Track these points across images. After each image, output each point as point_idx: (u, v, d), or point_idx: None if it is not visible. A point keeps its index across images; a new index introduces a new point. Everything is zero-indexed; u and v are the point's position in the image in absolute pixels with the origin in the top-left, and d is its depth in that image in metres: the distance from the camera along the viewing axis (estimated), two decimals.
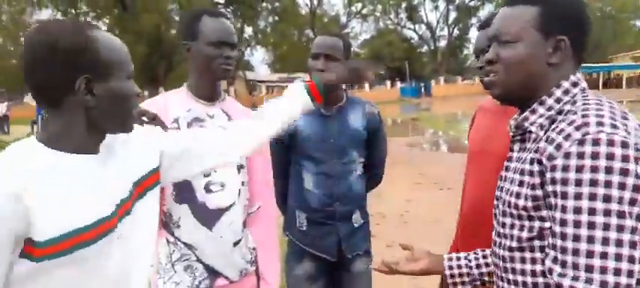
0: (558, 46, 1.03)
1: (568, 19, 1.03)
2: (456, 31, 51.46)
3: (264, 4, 35.51)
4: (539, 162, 0.96)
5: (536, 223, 0.99)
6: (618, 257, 0.86)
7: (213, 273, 1.66)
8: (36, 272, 0.94)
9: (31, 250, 0.92)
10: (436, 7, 50.38)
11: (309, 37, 43.82)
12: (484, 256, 1.32)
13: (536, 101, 1.06)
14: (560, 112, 1.01)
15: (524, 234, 1.01)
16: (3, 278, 0.92)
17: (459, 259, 1.32)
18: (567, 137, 0.92)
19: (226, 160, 1.40)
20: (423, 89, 44.57)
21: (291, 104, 1.43)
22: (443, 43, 51.77)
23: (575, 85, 1.04)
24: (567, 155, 0.90)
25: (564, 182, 0.90)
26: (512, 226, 1.05)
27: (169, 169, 1.27)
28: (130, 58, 1.08)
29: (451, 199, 6.21)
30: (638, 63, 44.99)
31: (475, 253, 1.33)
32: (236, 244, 1.68)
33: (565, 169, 0.90)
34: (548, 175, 0.93)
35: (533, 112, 1.05)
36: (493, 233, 1.16)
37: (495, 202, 1.18)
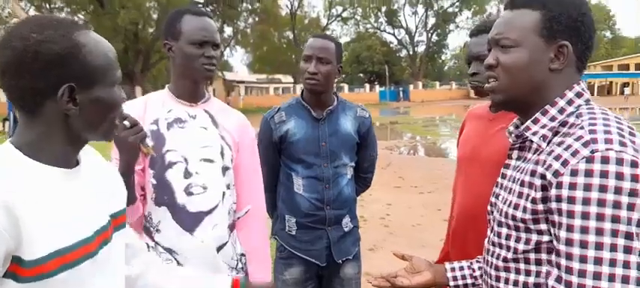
0: (561, 52, 0.99)
1: (571, 25, 0.99)
2: (434, 37, 52.28)
3: (244, 5, 35.27)
4: (543, 176, 0.92)
5: (534, 236, 0.97)
6: (625, 279, 0.84)
7: None
8: None
9: (16, 269, 0.85)
10: (415, 13, 51.19)
11: (288, 38, 43.82)
12: None
13: (537, 109, 1.02)
14: (563, 124, 0.98)
15: (521, 246, 0.99)
16: None
17: (461, 268, 1.29)
18: (574, 153, 0.89)
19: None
20: (401, 93, 45.08)
21: None
22: (421, 48, 52.47)
23: (579, 95, 1.00)
24: (574, 172, 0.87)
25: (571, 200, 0.87)
26: (508, 237, 1.03)
27: None
28: (118, 64, 1.00)
29: (431, 203, 6.29)
30: (608, 72, 46.43)
31: (478, 261, 1.31)
32: (220, 248, 1.62)
33: (572, 186, 0.87)
34: (554, 192, 0.90)
35: (536, 121, 1.02)
36: (486, 241, 1.14)
37: (490, 208, 1.16)
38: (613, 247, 0.85)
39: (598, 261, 0.85)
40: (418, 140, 15.06)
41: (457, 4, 49.45)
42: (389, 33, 52.82)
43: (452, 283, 1.28)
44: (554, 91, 1.01)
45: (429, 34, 51.39)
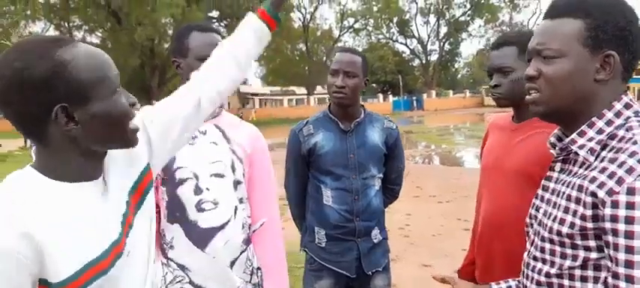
0: (607, 63, 0.95)
1: (617, 34, 0.95)
2: (446, 46, 51.99)
3: None
4: (594, 194, 0.88)
5: (581, 252, 0.93)
6: None
7: None
8: None
9: None
10: (427, 22, 50.90)
11: (301, 50, 44.01)
12: None
13: (582, 121, 0.98)
14: (612, 137, 0.93)
15: (567, 262, 0.95)
16: None
17: (509, 287, 1.21)
18: (629, 171, 0.85)
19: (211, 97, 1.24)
20: (415, 102, 44.90)
21: (245, 33, 1.30)
22: (434, 57, 52.25)
23: (627, 106, 0.96)
24: (631, 191, 0.83)
25: (629, 221, 0.83)
26: (552, 252, 0.99)
27: (162, 146, 1.14)
28: (114, 68, 0.95)
29: (450, 213, 6.26)
30: None
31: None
32: (233, 262, 1.62)
33: (629, 206, 0.83)
34: (608, 211, 0.86)
35: (582, 134, 0.97)
36: (526, 254, 1.10)
37: (529, 221, 1.14)
38: None
39: None
40: (433, 149, 14.98)
41: (469, 12, 49.26)
42: (401, 43, 52.73)
43: None
44: (599, 103, 0.97)
45: (441, 43, 51.17)
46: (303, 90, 45.57)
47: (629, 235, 0.84)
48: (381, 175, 2.08)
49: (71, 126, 0.88)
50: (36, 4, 30.80)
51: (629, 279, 0.84)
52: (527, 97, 1.06)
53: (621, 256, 0.85)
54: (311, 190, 2.07)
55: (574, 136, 0.98)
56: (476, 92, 51.26)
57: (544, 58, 1.00)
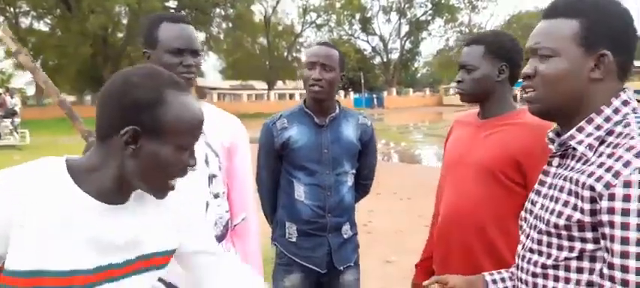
0: (601, 62, 0.98)
1: (611, 34, 0.98)
2: (407, 44, 52.96)
3: (217, 10, 34.99)
4: (592, 188, 0.91)
5: (578, 244, 0.96)
6: None
7: None
8: None
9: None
10: (389, 20, 51.64)
11: (262, 45, 43.66)
12: None
13: (578, 118, 1.01)
14: (610, 133, 0.97)
15: (563, 253, 0.98)
16: None
17: (503, 279, 1.24)
18: (626, 164, 0.88)
19: None
20: (375, 100, 45.49)
21: None
22: (395, 56, 53.08)
23: (625, 103, 0.99)
24: (627, 184, 0.87)
25: (625, 213, 0.86)
26: (549, 244, 1.01)
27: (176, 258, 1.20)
28: (199, 131, 1.02)
29: (411, 209, 6.32)
30: None
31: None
32: None
33: (626, 199, 0.86)
34: (605, 204, 0.89)
35: (580, 130, 1.00)
36: (520, 247, 1.12)
37: (524, 215, 1.15)
38: None
39: None
40: (393, 146, 15.16)
41: (430, 12, 50.36)
42: (363, 40, 53.32)
43: None
44: (594, 101, 1.00)
45: (403, 42, 52.10)
46: (263, 85, 45.24)
47: (625, 226, 0.86)
48: (353, 171, 2.07)
49: (129, 146, 0.95)
50: None
51: (624, 269, 0.87)
52: (524, 95, 1.09)
53: (617, 247, 0.88)
54: (283, 184, 2.04)
55: (572, 131, 1.01)
56: (435, 91, 52.55)
57: (540, 57, 1.03)
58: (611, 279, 0.89)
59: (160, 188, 1.03)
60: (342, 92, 44.14)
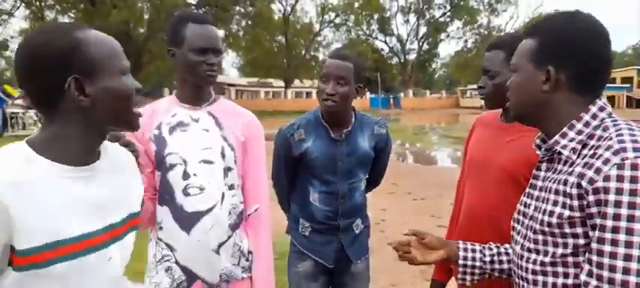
0: (548, 77, 1.09)
1: (559, 51, 1.08)
2: (425, 45, 52.58)
3: (237, 8, 35.23)
4: (579, 185, 1.00)
5: (570, 240, 1.04)
6: None
7: (190, 276, 1.66)
8: (17, 285, 0.92)
9: (12, 257, 0.91)
10: (407, 21, 51.34)
11: (281, 42, 43.80)
12: (498, 253, 1.37)
13: (552, 123, 1.12)
14: (590, 136, 1.06)
15: (559, 250, 1.06)
16: None
17: (474, 250, 1.38)
18: (606, 161, 0.97)
19: None
20: (392, 101, 45.26)
21: None
22: (412, 57, 52.73)
23: (601, 109, 1.09)
24: (607, 178, 0.96)
25: (605, 204, 0.96)
26: (545, 243, 1.09)
27: None
28: (124, 56, 1.05)
29: (424, 209, 6.36)
30: None
31: (490, 248, 1.39)
32: (221, 246, 1.66)
33: (606, 191, 0.96)
34: (590, 198, 0.98)
35: (564, 135, 1.09)
36: (518, 248, 1.19)
37: (518, 217, 1.23)
38: None
39: (627, 257, 0.93)
40: (408, 147, 15.15)
41: (448, 13, 49.93)
42: (380, 40, 53.08)
43: (461, 262, 1.36)
44: (557, 110, 1.10)
45: (420, 43, 51.73)
46: (280, 83, 45.38)
47: (603, 215, 0.97)
48: (366, 176, 2.11)
49: (82, 98, 0.97)
50: None
51: (600, 253, 0.97)
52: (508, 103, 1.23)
53: (596, 233, 0.98)
54: (299, 185, 2.08)
55: (557, 137, 1.10)
56: (452, 93, 52.03)
57: (513, 72, 1.18)
58: (590, 262, 1.00)
59: (131, 119, 1.06)
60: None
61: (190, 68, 1.62)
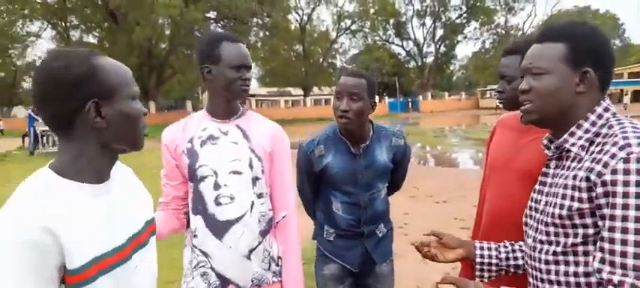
0: (585, 77, 1.16)
1: (593, 53, 1.16)
2: (442, 48, 52.16)
3: (255, 20, 35.66)
4: (588, 179, 1.08)
5: (580, 230, 1.12)
6: None
7: (224, 281, 1.75)
8: None
9: (65, 278, 0.99)
10: (423, 24, 51.10)
11: (298, 52, 44.05)
12: (513, 250, 1.43)
13: (567, 125, 1.19)
14: (597, 134, 1.14)
15: (570, 240, 1.13)
16: None
17: (489, 249, 1.45)
18: (613, 156, 1.05)
19: None
20: (410, 104, 45.05)
21: None
22: (430, 59, 52.40)
23: (606, 110, 1.17)
24: (614, 171, 1.03)
25: (613, 195, 1.03)
26: (556, 234, 1.16)
27: None
28: (134, 81, 1.13)
29: (447, 212, 6.39)
30: (619, 80, 45.98)
31: (505, 245, 1.46)
32: (252, 251, 1.76)
33: (613, 183, 1.03)
34: (599, 190, 1.05)
35: (572, 134, 1.18)
36: (530, 241, 1.27)
37: (529, 213, 1.31)
38: None
39: (638, 244, 1.01)
40: (429, 150, 15.13)
41: (464, 15, 49.53)
42: (397, 45, 52.94)
43: (478, 260, 1.44)
44: (580, 110, 1.18)
45: (437, 45, 51.37)
46: (299, 91, 45.64)
47: (612, 206, 1.04)
48: (387, 184, 2.19)
49: (98, 120, 1.04)
50: (33, 3, 30.66)
51: (612, 241, 1.04)
52: (522, 107, 1.27)
53: (606, 223, 1.05)
54: (322, 196, 2.19)
55: (566, 136, 1.19)
56: (471, 94, 51.42)
57: (534, 75, 1.21)
58: (602, 249, 1.06)
59: (139, 140, 1.13)
60: (376, 97, 43.97)
61: (228, 84, 1.72)
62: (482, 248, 1.45)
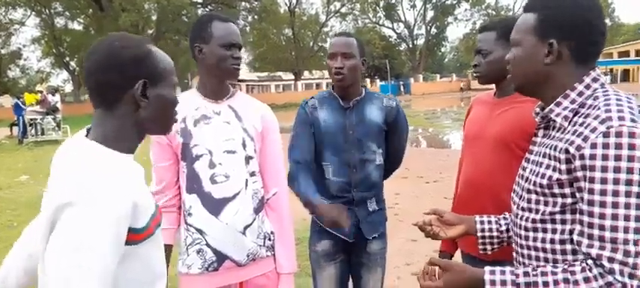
0: (551, 50, 1.14)
1: (559, 24, 1.13)
2: (433, 30, 52.15)
3: (243, 4, 35.30)
4: (567, 151, 1.07)
5: (559, 199, 1.12)
6: (637, 231, 1.01)
7: (220, 256, 1.79)
8: (127, 256, 1.05)
9: (133, 237, 1.05)
10: (413, 6, 51.36)
11: (288, 36, 43.78)
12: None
13: (550, 94, 1.18)
14: (582, 105, 1.12)
15: (549, 208, 1.14)
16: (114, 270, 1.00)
17: (490, 222, 1.46)
18: (593, 130, 1.04)
19: None
20: (402, 87, 45.12)
21: None
22: (421, 42, 52.40)
23: (595, 80, 1.15)
24: (593, 146, 1.03)
25: (591, 169, 1.03)
26: (537, 202, 1.17)
27: None
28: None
29: (437, 192, 6.45)
30: (608, 60, 46.28)
31: (505, 217, 1.47)
32: (246, 228, 1.80)
33: (592, 157, 1.02)
34: (577, 163, 1.05)
35: (558, 104, 1.16)
36: (515, 207, 1.29)
37: (517, 180, 1.32)
38: (627, 206, 1.01)
39: (615, 217, 1.02)
40: (421, 132, 15.19)
41: None
42: (388, 27, 52.87)
43: (479, 234, 1.46)
44: (559, 81, 1.16)
45: (428, 27, 51.35)
46: (290, 75, 45.45)
47: (591, 179, 1.04)
48: (381, 151, 2.18)
49: (142, 98, 1.10)
50: None
51: (590, 214, 1.05)
52: (509, 75, 1.29)
53: (585, 196, 1.06)
54: (315, 165, 2.18)
55: (552, 106, 1.18)
56: (463, 76, 51.59)
57: (513, 46, 1.23)
58: (581, 222, 1.07)
59: (170, 124, 1.21)
60: (368, 80, 43.98)
61: (218, 62, 1.74)
62: (482, 222, 1.46)
